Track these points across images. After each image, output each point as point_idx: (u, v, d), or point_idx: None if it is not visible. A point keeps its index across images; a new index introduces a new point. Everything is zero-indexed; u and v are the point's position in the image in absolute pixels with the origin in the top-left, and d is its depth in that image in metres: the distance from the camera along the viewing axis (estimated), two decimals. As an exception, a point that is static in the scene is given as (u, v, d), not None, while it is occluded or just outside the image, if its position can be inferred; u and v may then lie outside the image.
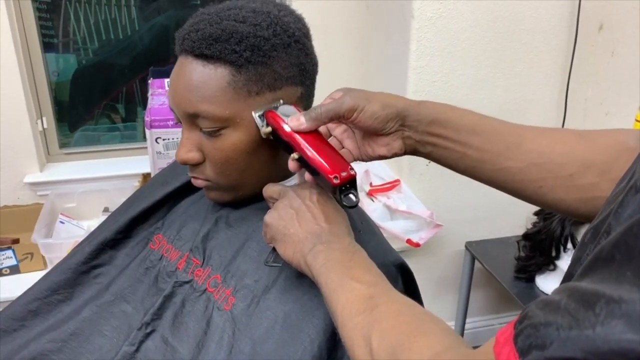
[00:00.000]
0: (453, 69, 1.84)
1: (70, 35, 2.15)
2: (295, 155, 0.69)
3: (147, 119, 1.65)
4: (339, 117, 0.68)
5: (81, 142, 2.22)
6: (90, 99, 2.32)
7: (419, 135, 0.68)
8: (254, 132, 0.72)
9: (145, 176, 1.95)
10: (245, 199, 0.81)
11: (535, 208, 1.66)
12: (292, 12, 0.76)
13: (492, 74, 1.89)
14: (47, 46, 1.99)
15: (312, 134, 0.70)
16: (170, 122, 1.64)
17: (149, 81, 1.86)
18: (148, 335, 0.75)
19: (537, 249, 1.74)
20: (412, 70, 1.81)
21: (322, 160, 0.66)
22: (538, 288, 1.78)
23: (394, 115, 0.67)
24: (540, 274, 1.77)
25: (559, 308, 0.35)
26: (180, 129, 0.76)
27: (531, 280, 1.79)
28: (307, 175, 0.69)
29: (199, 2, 2.21)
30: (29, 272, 1.70)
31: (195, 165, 0.76)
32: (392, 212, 1.85)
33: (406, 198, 1.91)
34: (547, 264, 1.74)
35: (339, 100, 0.67)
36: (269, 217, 0.69)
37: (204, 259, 0.79)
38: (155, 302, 0.77)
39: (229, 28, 0.69)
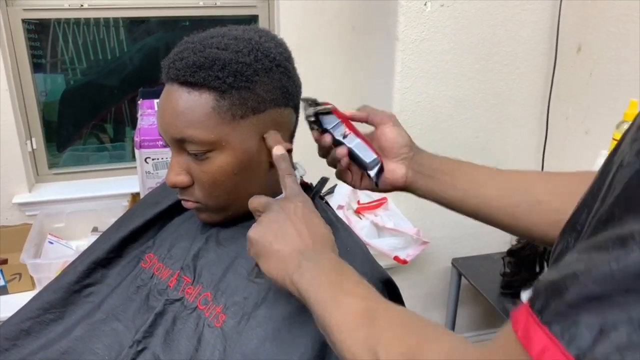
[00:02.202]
0: (437, 89, 1.89)
1: (59, 56, 2.16)
2: (343, 131, 0.82)
3: (136, 139, 1.67)
4: (376, 119, 0.83)
5: (69, 162, 2.22)
6: (79, 119, 2.33)
7: (421, 168, 0.81)
8: (239, 154, 0.75)
9: (134, 196, 1.96)
10: (234, 218, 0.83)
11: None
12: (273, 38, 0.79)
13: (475, 94, 1.93)
14: (35, 66, 2.00)
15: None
16: (160, 143, 1.66)
17: (139, 102, 1.87)
18: (139, 352, 0.76)
19: (521, 265, 1.77)
20: (397, 91, 1.85)
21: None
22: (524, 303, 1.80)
23: (412, 145, 0.82)
24: (526, 289, 1.80)
25: (572, 262, 0.35)
26: (169, 150, 0.79)
27: (517, 295, 1.82)
28: (341, 150, 0.82)
29: (187, 24, 2.24)
30: (18, 292, 1.69)
31: (185, 188, 0.79)
32: (380, 229, 1.88)
33: (393, 215, 1.94)
34: (532, 279, 1.77)
35: (383, 111, 0.83)
36: (253, 232, 0.68)
37: (194, 277, 0.81)
38: (147, 320, 0.78)
39: (212, 56, 0.71)
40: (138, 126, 1.73)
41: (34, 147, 2.01)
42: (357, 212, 1.95)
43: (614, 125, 1.51)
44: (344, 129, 0.82)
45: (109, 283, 0.89)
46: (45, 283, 1.66)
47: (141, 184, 1.74)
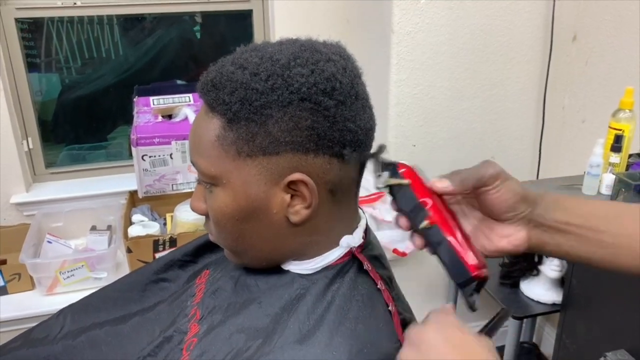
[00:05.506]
0: (433, 81, 1.88)
1: (53, 55, 2.15)
2: (425, 223, 0.61)
3: (133, 136, 1.67)
4: (481, 184, 0.62)
5: (67, 161, 2.22)
6: (75, 118, 2.33)
7: (547, 222, 0.63)
8: (240, 199, 0.64)
9: (132, 193, 1.96)
10: (256, 267, 0.74)
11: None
12: (312, 62, 0.62)
13: (471, 86, 1.93)
14: (30, 66, 2.00)
15: (449, 212, 0.63)
16: (156, 140, 1.65)
17: (134, 99, 1.87)
18: None
19: (520, 255, 1.78)
20: (393, 84, 1.85)
21: (466, 244, 0.60)
22: (522, 293, 1.81)
23: (527, 198, 0.62)
24: (524, 280, 1.81)
25: None
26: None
27: (516, 285, 1.83)
28: (418, 241, 0.64)
29: (187, 18, 2.24)
30: (17, 292, 1.70)
31: (207, 217, 0.71)
32: (378, 222, 1.88)
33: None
34: (531, 269, 1.77)
35: (482, 167, 0.62)
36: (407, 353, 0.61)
37: (202, 315, 0.74)
38: (159, 339, 0.75)
39: (228, 74, 0.61)
40: (134, 124, 1.73)
41: (30, 147, 2.01)
42: (356, 205, 1.95)
43: (610, 113, 1.51)
44: (425, 216, 0.61)
45: (180, 284, 0.86)
46: (45, 283, 1.67)
47: (139, 181, 1.74)
